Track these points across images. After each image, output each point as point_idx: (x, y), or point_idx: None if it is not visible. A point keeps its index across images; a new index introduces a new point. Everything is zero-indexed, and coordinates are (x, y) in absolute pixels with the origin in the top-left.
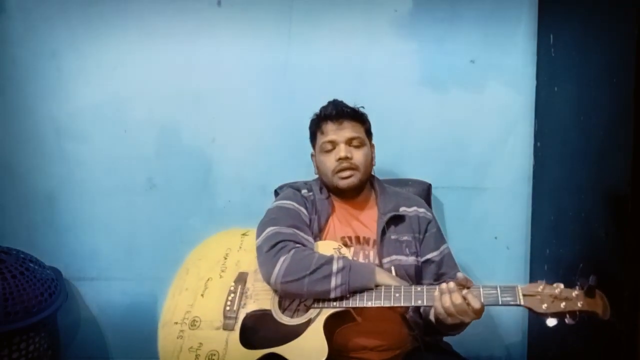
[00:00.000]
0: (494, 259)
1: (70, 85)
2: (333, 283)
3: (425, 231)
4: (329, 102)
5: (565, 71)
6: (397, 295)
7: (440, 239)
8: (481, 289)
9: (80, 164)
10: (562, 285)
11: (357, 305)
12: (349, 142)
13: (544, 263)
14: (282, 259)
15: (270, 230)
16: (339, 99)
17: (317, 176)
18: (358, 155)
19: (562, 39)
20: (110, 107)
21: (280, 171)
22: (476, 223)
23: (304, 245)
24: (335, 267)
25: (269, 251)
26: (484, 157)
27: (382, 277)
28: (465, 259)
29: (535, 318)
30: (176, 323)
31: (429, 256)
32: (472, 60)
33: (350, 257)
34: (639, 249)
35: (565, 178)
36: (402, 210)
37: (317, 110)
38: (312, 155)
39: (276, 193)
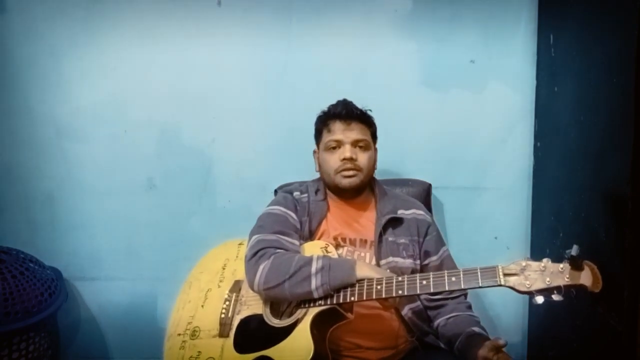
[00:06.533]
0: (494, 259)
1: (70, 85)
2: (314, 284)
3: (426, 234)
4: (339, 102)
5: (565, 71)
6: (378, 287)
7: (439, 242)
8: (461, 273)
9: (80, 164)
10: (549, 261)
11: (340, 302)
12: (355, 143)
13: None
14: (262, 266)
15: (254, 238)
16: (340, 98)
17: (317, 175)
18: (362, 158)
19: (562, 39)
20: (110, 107)
21: (280, 171)
22: (476, 223)
23: (287, 250)
24: (314, 267)
25: (250, 259)
26: (484, 157)
27: (363, 270)
28: (465, 259)
29: (536, 317)
30: (179, 334)
31: (428, 260)
32: (472, 60)
33: (335, 256)
34: (639, 249)
35: (565, 178)
36: (400, 213)
37: (318, 109)
38: (314, 152)
39: (276, 193)
